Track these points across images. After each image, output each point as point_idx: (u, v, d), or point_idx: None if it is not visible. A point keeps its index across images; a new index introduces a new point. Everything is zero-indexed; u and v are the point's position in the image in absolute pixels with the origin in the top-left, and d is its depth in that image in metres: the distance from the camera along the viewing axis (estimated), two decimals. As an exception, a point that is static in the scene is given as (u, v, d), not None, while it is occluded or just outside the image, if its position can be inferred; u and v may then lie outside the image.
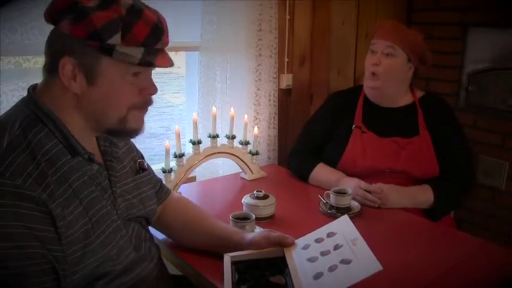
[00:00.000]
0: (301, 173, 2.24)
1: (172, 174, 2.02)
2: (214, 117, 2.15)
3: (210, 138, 2.15)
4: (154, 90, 1.21)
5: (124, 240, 1.26)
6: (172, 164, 2.06)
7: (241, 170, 2.32)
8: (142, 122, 1.23)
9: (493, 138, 2.98)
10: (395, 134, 2.12)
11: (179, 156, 2.04)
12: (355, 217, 1.82)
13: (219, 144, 2.18)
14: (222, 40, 2.34)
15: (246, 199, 1.86)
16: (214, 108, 2.15)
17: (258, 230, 1.66)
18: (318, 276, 1.28)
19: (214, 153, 2.16)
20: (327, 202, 1.93)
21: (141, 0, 1.16)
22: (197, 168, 2.19)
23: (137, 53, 1.10)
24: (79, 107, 1.15)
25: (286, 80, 2.72)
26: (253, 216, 1.64)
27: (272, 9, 2.51)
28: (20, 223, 1.01)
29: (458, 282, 1.44)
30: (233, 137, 2.20)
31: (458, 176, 2.06)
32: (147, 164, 1.52)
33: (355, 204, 1.94)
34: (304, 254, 1.39)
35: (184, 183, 2.11)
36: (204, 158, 2.13)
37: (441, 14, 3.13)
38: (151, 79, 1.21)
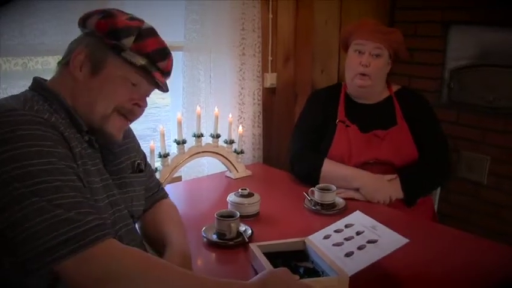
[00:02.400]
0: (310, 174, 2.13)
1: (158, 174, 2.01)
2: (199, 117, 2.14)
3: (194, 138, 2.14)
4: (143, 103, 1.30)
5: (120, 214, 1.31)
6: (158, 164, 2.05)
7: (226, 169, 2.31)
8: (120, 130, 1.30)
9: (474, 134, 2.99)
10: (375, 127, 2.18)
11: (164, 156, 2.03)
12: (340, 213, 1.84)
13: (203, 144, 2.18)
14: (206, 40, 2.33)
15: (231, 197, 1.86)
16: (198, 108, 2.15)
17: (244, 228, 1.66)
18: (349, 254, 1.38)
19: (199, 153, 2.16)
20: (311, 199, 1.93)
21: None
22: (182, 168, 2.18)
23: (141, 60, 1.23)
24: (76, 95, 1.24)
25: (270, 79, 2.72)
26: (238, 214, 1.65)
27: (255, 8, 2.50)
28: (54, 148, 1.06)
29: (440, 272, 1.45)
30: (218, 136, 2.20)
31: (433, 160, 2.13)
32: (150, 168, 1.57)
33: (339, 201, 1.96)
34: (327, 242, 1.48)
35: (169, 183, 2.10)
36: (189, 157, 2.12)
37: (423, 12, 3.13)
38: (144, 95, 1.31)
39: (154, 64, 1.26)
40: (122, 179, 1.37)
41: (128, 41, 1.22)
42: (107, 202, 1.26)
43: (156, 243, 1.45)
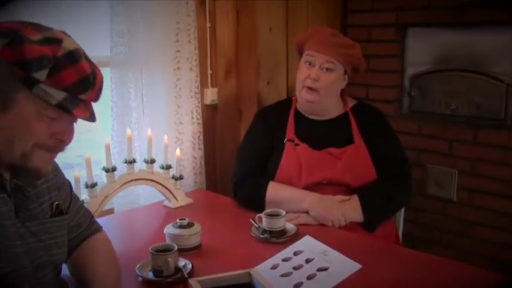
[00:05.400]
0: (254, 199, 2.21)
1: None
2: (130, 140, 2.17)
3: (126, 164, 2.17)
4: (67, 138, 1.28)
5: (39, 261, 1.32)
6: (85, 196, 2.06)
7: (164, 198, 2.34)
8: (48, 162, 1.30)
9: (440, 146, 3.12)
10: (329, 145, 2.24)
11: (91, 186, 2.05)
12: (290, 240, 1.89)
13: (136, 170, 2.20)
14: (135, 54, 2.38)
15: (169, 229, 1.89)
16: (128, 130, 2.18)
17: (183, 262, 1.69)
18: (298, 285, 1.44)
19: (131, 181, 2.18)
20: (259, 226, 1.98)
21: (85, 54, 1.27)
22: (114, 199, 2.20)
23: (58, 95, 1.19)
24: None
25: (211, 95, 2.77)
26: (176, 247, 1.67)
27: (190, 17, 2.56)
28: None
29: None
30: (152, 161, 2.23)
31: (393, 179, 2.20)
32: (75, 203, 1.57)
33: (290, 227, 2.01)
34: (274, 272, 1.54)
35: (99, 216, 2.10)
36: (120, 186, 2.14)
37: (377, 15, 3.28)
38: (68, 127, 1.28)
39: (75, 97, 1.22)
40: (38, 226, 1.36)
41: (41, 75, 1.16)
42: (23, 250, 1.27)
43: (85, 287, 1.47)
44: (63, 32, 1.26)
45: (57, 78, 1.18)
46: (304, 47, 2.27)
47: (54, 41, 1.21)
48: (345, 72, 2.26)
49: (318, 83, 2.19)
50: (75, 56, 1.22)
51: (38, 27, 1.22)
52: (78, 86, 1.21)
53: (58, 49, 1.20)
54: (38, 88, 1.17)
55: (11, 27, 1.19)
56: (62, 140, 1.26)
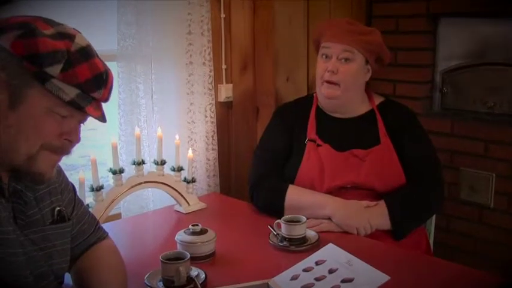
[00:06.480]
0: (272, 204, 2.21)
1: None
2: (139, 140, 2.18)
3: (134, 166, 2.18)
4: (76, 138, 1.30)
5: (41, 271, 1.33)
6: (90, 199, 2.07)
7: (175, 202, 2.35)
8: (52, 166, 1.31)
9: (474, 147, 3.09)
10: (353, 146, 2.23)
11: (97, 189, 2.05)
12: (313, 248, 1.88)
13: (145, 172, 2.21)
14: (144, 47, 2.39)
15: (180, 236, 1.89)
16: (137, 129, 2.19)
17: (196, 272, 1.69)
18: None
19: (140, 184, 2.18)
20: (277, 233, 1.98)
21: (96, 51, 1.30)
22: (121, 203, 2.21)
23: (71, 92, 1.22)
24: None
25: (225, 92, 2.78)
26: (188, 256, 1.66)
27: (203, 7, 2.57)
28: None
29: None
30: (163, 163, 2.23)
31: (424, 183, 2.18)
32: (80, 207, 1.57)
33: (311, 234, 2.00)
34: (295, 283, 1.53)
35: (105, 222, 2.11)
36: (128, 189, 2.15)
37: (406, 4, 3.25)
38: (76, 127, 1.31)
39: (87, 94, 1.25)
40: (38, 233, 1.36)
41: (54, 70, 1.19)
42: (24, 259, 1.28)
43: None
44: (75, 29, 1.29)
45: (70, 74, 1.21)
46: (321, 40, 2.26)
47: (67, 36, 1.24)
48: (367, 62, 2.23)
49: (337, 76, 2.18)
50: (88, 52, 1.26)
51: (49, 21, 1.26)
52: (92, 83, 1.24)
53: (71, 44, 1.23)
54: (50, 84, 1.19)
55: (22, 20, 1.22)
56: (69, 141, 1.28)
